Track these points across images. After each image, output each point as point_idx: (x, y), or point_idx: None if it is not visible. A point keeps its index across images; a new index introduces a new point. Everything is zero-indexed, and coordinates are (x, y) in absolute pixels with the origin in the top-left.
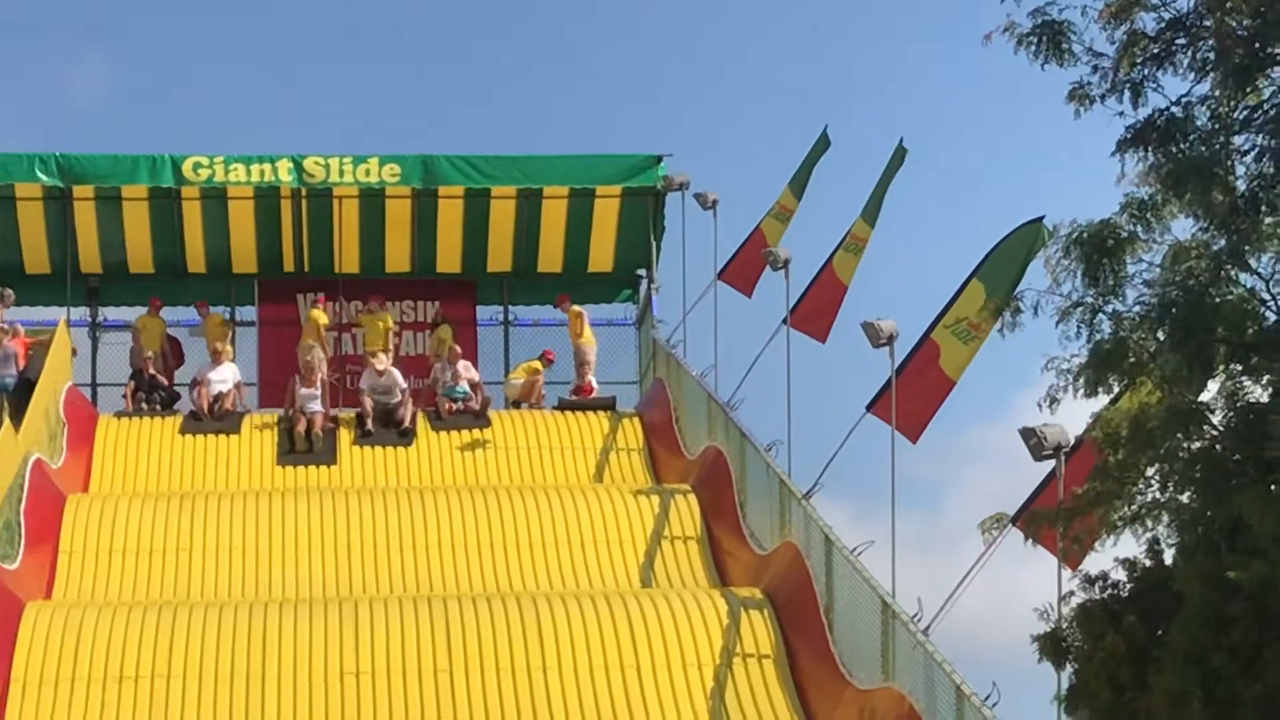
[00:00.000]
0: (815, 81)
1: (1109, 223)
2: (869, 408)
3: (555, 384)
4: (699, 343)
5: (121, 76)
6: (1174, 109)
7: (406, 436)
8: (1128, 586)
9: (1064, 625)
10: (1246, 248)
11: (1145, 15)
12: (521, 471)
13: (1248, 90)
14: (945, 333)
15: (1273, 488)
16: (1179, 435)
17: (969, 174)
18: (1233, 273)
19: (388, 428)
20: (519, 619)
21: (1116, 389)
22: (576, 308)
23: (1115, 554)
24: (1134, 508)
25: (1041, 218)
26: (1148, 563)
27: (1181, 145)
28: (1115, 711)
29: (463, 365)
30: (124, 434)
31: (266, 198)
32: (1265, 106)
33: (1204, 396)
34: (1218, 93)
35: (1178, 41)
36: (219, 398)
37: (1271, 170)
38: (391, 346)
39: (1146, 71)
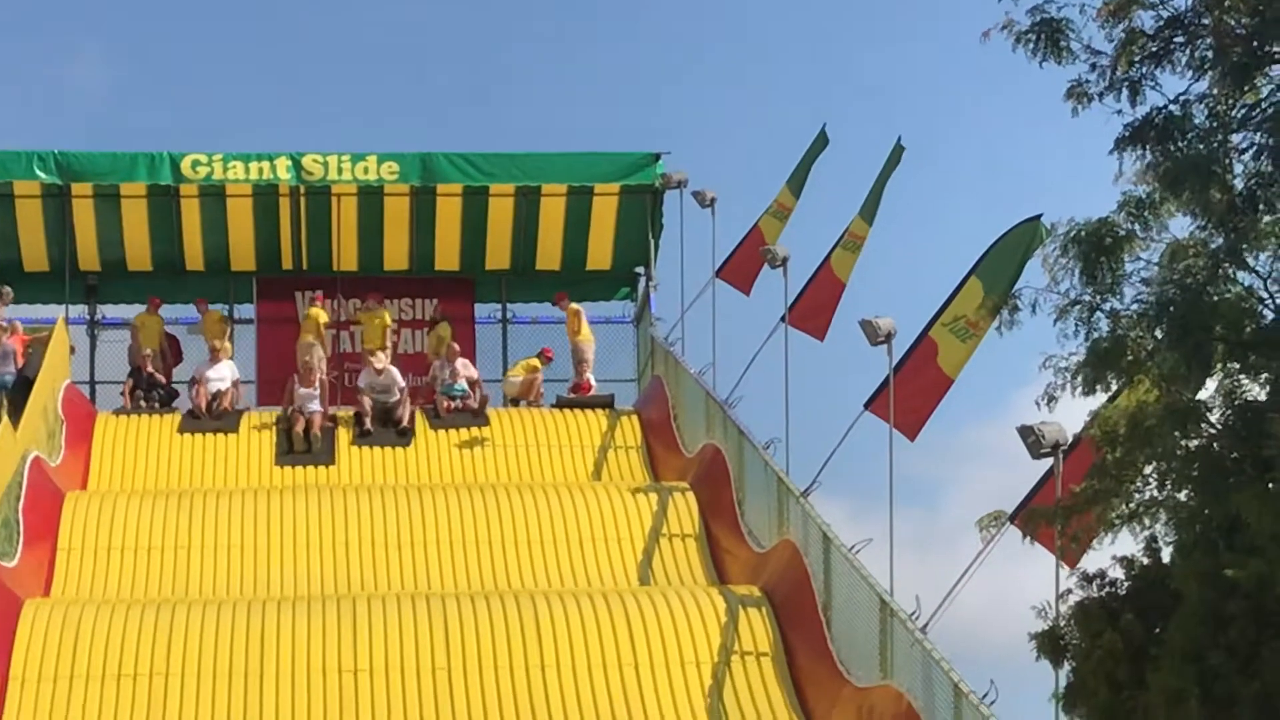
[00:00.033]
0: (814, 80)
1: (1107, 221)
2: (867, 405)
3: (554, 382)
4: (697, 340)
5: (120, 74)
6: (1172, 107)
7: (405, 436)
8: (1125, 584)
9: (1062, 623)
10: (1244, 246)
11: (1143, 13)
12: (520, 469)
13: (1246, 88)
14: (943, 331)
15: (1270, 486)
16: (1177, 433)
17: (967, 172)
18: (1231, 271)
19: (386, 426)
20: (517, 617)
21: (1114, 387)
22: (575, 305)
23: (1113, 552)
24: (1132, 506)
25: (1039, 216)
26: (1145, 561)
27: (1179, 143)
28: (1113, 709)
29: (461, 363)
30: (122, 432)
31: (265, 195)
32: (1263, 105)
33: (1202, 395)
34: (1216, 91)
35: (1176, 39)
36: (217, 396)
37: (1269, 168)
38: (390, 344)
39: (1145, 69)
